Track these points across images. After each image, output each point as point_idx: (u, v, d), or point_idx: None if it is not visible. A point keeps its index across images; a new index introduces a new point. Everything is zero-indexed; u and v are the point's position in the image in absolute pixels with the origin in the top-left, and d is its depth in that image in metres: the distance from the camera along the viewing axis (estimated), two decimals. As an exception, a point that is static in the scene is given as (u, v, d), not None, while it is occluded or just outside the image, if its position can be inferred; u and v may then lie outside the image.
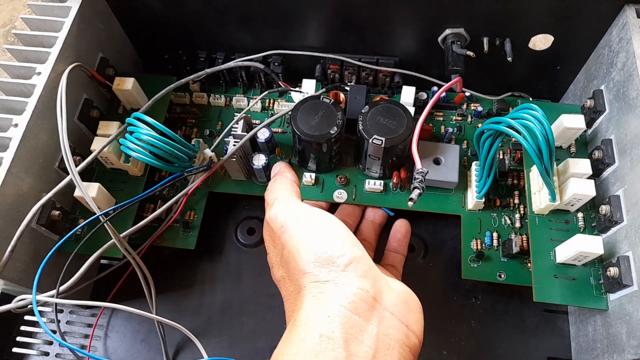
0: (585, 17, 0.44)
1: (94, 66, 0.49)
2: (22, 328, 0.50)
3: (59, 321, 0.42)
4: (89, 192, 0.43)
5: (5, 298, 0.43)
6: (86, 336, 0.50)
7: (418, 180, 0.35)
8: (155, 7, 0.50)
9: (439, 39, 0.48)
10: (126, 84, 0.48)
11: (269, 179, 0.51)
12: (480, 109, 0.53)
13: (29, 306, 0.40)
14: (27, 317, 0.51)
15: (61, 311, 0.51)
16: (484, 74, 0.52)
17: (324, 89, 0.53)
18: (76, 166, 0.43)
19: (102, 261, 0.52)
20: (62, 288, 0.38)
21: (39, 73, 0.42)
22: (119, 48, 0.53)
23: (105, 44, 0.50)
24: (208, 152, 0.47)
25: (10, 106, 0.41)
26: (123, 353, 0.49)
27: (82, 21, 0.46)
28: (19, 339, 0.50)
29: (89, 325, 0.50)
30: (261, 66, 0.52)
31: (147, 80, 0.52)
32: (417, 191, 0.34)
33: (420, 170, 0.36)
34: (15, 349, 0.49)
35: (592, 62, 0.47)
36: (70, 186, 0.42)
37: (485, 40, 0.47)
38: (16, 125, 0.40)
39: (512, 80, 0.53)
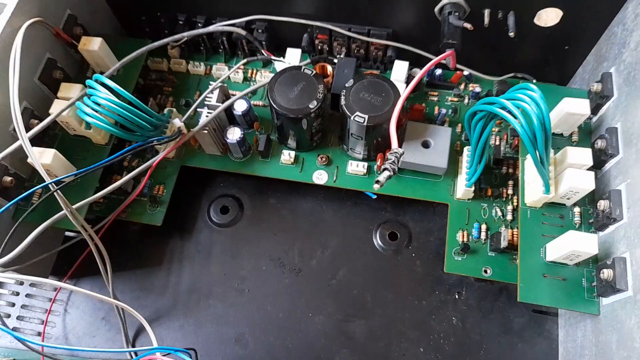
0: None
1: (60, 24, 0.45)
2: (-21, 298, 0.48)
3: None
4: (44, 158, 0.40)
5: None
6: (46, 311, 0.47)
7: (390, 161, 0.31)
8: (130, -38, 0.46)
9: (436, 9, 0.43)
10: (92, 44, 0.44)
11: (245, 155, 0.48)
12: (478, 89, 0.49)
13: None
14: (-15, 288, 0.49)
15: (21, 283, 0.48)
16: (485, 51, 0.47)
17: (309, 60, 0.49)
18: (30, 130, 0.40)
19: (69, 233, 0.50)
20: (2, 260, 0.35)
21: (-8, 25, 0.39)
22: (92, 7, 0.50)
23: (76, 1, 0.47)
24: (177, 122, 0.44)
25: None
26: (82, 330, 0.46)
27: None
28: (-25, 309, 0.48)
29: (50, 300, 0.48)
30: (243, 32, 0.48)
31: (120, 43, 0.48)
32: (386, 173, 0.31)
33: (395, 150, 0.32)
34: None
35: (603, 42, 0.43)
36: (25, 151, 0.39)
37: (487, 12, 0.42)
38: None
39: (516, 59, 0.48)
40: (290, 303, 0.46)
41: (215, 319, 0.46)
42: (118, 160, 0.42)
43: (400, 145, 0.44)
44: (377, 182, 0.31)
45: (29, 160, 0.39)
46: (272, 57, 0.49)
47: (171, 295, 0.47)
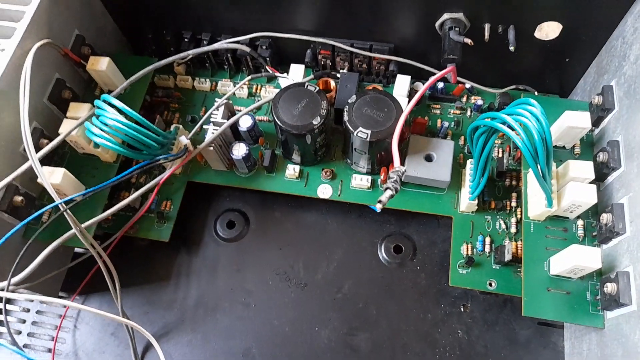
0: (598, 3, 0.39)
1: (68, 44, 0.46)
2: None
3: (6, 315, 0.40)
4: (53, 178, 0.40)
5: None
6: (56, 327, 0.48)
7: (392, 180, 0.32)
8: (136, -18, 0.47)
9: (437, 24, 0.44)
10: (100, 64, 0.45)
11: (250, 170, 0.48)
12: (480, 102, 0.49)
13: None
14: (-3, 304, 0.49)
15: (32, 300, 0.49)
16: (487, 64, 0.48)
17: (312, 76, 0.49)
18: (41, 149, 0.41)
19: (78, 250, 0.50)
20: (15, 279, 0.36)
21: (3, 50, 0.40)
22: (99, 25, 0.51)
23: (83, 21, 0.48)
24: (183, 139, 0.45)
25: (-28, 84, 0.39)
26: (91, 347, 0.47)
27: (53, -7, 0.43)
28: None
29: (60, 316, 0.48)
30: (247, 49, 0.49)
31: (127, 61, 0.49)
32: (388, 192, 0.31)
33: (397, 169, 0.32)
34: (-17, 336, 0.48)
35: (604, 55, 0.43)
36: (35, 171, 0.39)
37: (487, 26, 0.43)
38: (-23, 104, 0.38)
39: (518, 71, 0.49)
40: (296, 317, 0.47)
41: (223, 334, 0.46)
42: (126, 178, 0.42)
43: (403, 159, 0.45)
44: (380, 201, 0.32)
45: (39, 180, 0.40)
46: (276, 74, 0.49)
47: (179, 310, 0.48)
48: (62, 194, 0.42)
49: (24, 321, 0.49)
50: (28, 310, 0.49)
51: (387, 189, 0.32)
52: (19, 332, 0.48)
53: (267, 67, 0.50)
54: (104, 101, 0.40)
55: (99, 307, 0.48)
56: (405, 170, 0.33)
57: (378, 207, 0.32)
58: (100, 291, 0.48)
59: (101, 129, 0.39)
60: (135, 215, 0.46)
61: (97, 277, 0.45)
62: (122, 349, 0.46)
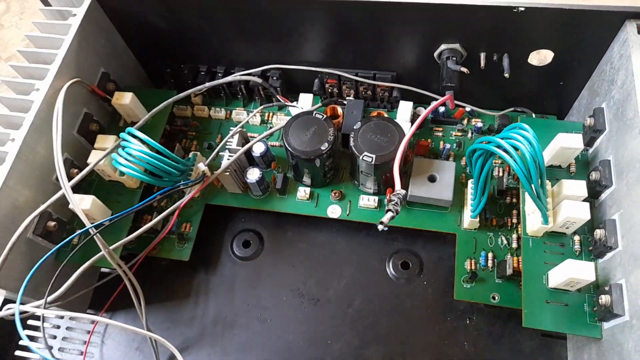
0: (586, 32, 0.42)
1: (95, 81, 0.50)
2: (25, 332, 0.52)
3: (44, 330, 0.43)
4: (83, 204, 0.44)
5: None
6: (84, 342, 0.51)
7: (393, 202, 0.34)
8: (157, 22, 0.51)
9: (435, 54, 0.47)
10: (124, 99, 0.49)
11: (264, 192, 0.51)
12: (480, 124, 0.52)
13: (27, 313, 0.42)
14: (29, 322, 0.53)
15: (62, 317, 0.53)
16: (485, 88, 0.51)
17: (320, 104, 0.52)
18: (72, 178, 0.44)
19: (103, 269, 0.54)
20: (50, 298, 0.39)
21: (38, 89, 0.44)
22: (122, 62, 0.55)
23: (108, 58, 0.52)
24: (201, 166, 0.48)
25: (9, 121, 0.43)
26: (117, 361, 0.50)
27: (82, 38, 0.47)
28: (21, 342, 0.52)
29: (88, 332, 0.52)
30: (259, 80, 0.53)
31: (148, 94, 0.53)
32: (389, 214, 0.34)
33: (398, 192, 0.35)
34: (17, 352, 0.51)
35: (595, 78, 0.45)
36: (68, 199, 0.43)
37: (482, 55, 0.46)
38: (13, 139, 0.41)
39: (516, 95, 0.51)
40: (309, 331, 0.49)
41: (240, 348, 0.49)
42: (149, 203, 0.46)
43: (407, 180, 0.48)
44: (381, 222, 0.34)
45: (70, 206, 0.43)
46: (287, 103, 0.53)
47: (198, 325, 0.50)
48: (92, 219, 0.45)
49: (54, 337, 0.52)
50: (58, 327, 0.53)
51: (388, 210, 0.34)
52: (51, 347, 0.51)
53: (278, 97, 0.53)
54: (129, 133, 0.44)
55: (125, 323, 0.51)
56: (406, 193, 0.36)
57: (380, 227, 0.35)
58: (125, 308, 0.51)
59: (126, 159, 0.43)
60: (158, 237, 0.49)
61: (122, 295, 0.48)
62: (146, 363, 0.49)
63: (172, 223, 0.48)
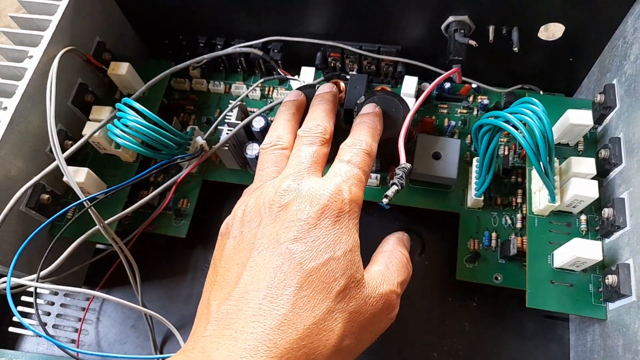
0: (599, 4, 0.40)
1: (90, 50, 0.48)
2: (18, 308, 0.51)
3: (37, 305, 0.42)
4: (78, 177, 0.43)
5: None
6: (79, 319, 0.50)
7: (398, 175, 0.33)
8: (154, -9, 0.49)
9: (442, 26, 0.45)
10: (120, 69, 0.48)
11: (263, 169, 0.50)
12: (486, 101, 0.50)
13: (19, 287, 0.41)
14: (23, 298, 0.52)
15: (56, 294, 0.52)
16: (492, 64, 0.49)
17: (322, 78, 0.51)
18: (66, 150, 0.43)
19: (99, 246, 0.53)
20: (43, 272, 0.39)
21: (31, 56, 0.42)
22: (119, 32, 0.53)
23: (104, 28, 0.50)
24: (199, 139, 0.47)
25: (1, 89, 0.41)
26: (113, 337, 0.49)
27: (78, 4, 0.45)
28: (14, 319, 0.51)
29: (83, 309, 0.51)
30: (259, 53, 0.51)
31: (145, 66, 0.51)
32: (394, 188, 0.32)
33: (403, 165, 0.34)
34: (11, 329, 0.50)
35: (606, 54, 0.44)
36: (62, 171, 0.42)
37: (491, 28, 0.44)
38: (5, 108, 0.40)
39: (524, 71, 0.50)
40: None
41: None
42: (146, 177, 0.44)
43: (411, 157, 0.46)
44: (386, 196, 0.33)
45: (64, 178, 0.42)
46: (288, 76, 0.51)
47: (195, 303, 0.49)
48: (86, 192, 0.44)
49: (48, 314, 0.51)
50: (53, 304, 0.52)
51: (393, 184, 0.33)
52: (45, 324, 0.51)
53: (279, 70, 0.52)
54: (125, 104, 0.42)
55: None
56: (411, 167, 0.35)
57: (384, 201, 0.33)
58: (120, 285, 0.51)
59: (122, 130, 0.41)
60: (154, 213, 0.48)
61: (118, 272, 0.47)
62: (142, 340, 0.49)
63: (169, 198, 0.47)
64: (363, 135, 0.35)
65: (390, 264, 0.34)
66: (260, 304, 0.25)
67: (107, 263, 0.49)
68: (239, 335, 0.24)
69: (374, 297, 0.29)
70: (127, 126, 0.41)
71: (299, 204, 0.29)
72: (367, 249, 0.50)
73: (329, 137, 0.35)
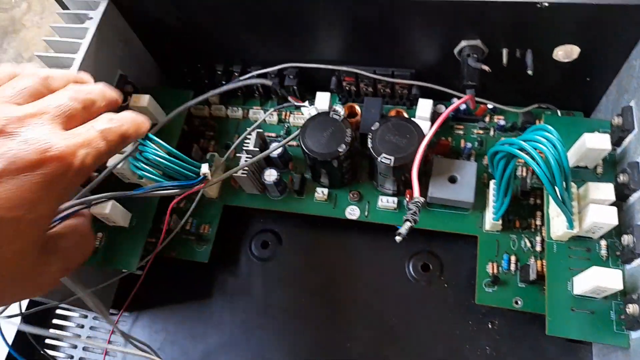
0: (614, 27, 0.40)
1: (113, 83, 0.50)
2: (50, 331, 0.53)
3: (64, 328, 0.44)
4: (104, 209, 0.44)
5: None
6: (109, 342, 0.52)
7: (411, 211, 0.33)
8: (172, 23, 0.50)
9: (455, 50, 0.45)
10: (142, 101, 0.49)
11: (282, 193, 0.51)
12: (503, 122, 0.50)
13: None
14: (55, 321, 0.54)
15: (85, 317, 0.54)
16: (508, 85, 0.49)
17: (337, 106, 0.51)
18: (91, 182, 0.45)
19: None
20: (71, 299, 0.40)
21: (57, 94, 0.44)
22: (139, 63, 0.55)
23: (125, 60, 0.52)
24: (204, 168, 0.46)
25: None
26: (140, 360, 0.51)
27: (99, 40, 0.47)
28: (47, 341, 0.53)
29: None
30: (268, 82, 0.51)
31: (165, 94, 0.53)
32: (407, 224, 0.33)
33: (416, 200, 0.34)
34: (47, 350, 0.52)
35: (623, 74, 0.43)
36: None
37: (505, 52, 0.44)
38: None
39: (540, 91, 0.49)
40: (328, 333, 0.49)
41: (262, 350, 0.49)
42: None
43: (427, 180, 0.46)
44: (399, 234, 0.34)
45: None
46: (299, 104, 0.51)
47: (219, 328, 0.51)
48: (112, 222, 0.46)
49: (79, 336, 0.53)
50: (82, 327, 0.54)
51: (406, 220, 0.33)
52: (75, 347, 0.53)
53: (289, 99, 0.52)
54: (146, 137, 0.43)
55: (149, 324, 0.51)
56: (425, 201, 0.35)
57: (397, 239, 0.34)
58: (145, 309, 0.52)
59: (144, 163, 0.43)
60: (160, 239, 0.48)
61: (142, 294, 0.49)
62: None
63: (167, 220, 0.47)
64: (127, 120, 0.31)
65: (74, 247, 0.31)
66: None
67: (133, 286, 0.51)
68: None
69: (38, 272, 0.28)
70: (148, 160, 0.43)
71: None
72: (386, 272, 0.51)
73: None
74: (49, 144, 0.25)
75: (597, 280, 0.36)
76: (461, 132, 0.51)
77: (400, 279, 0.50)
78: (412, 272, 0.50)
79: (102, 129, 0.28)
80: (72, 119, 0.28)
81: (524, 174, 0.48)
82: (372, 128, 0.45)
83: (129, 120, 0.32)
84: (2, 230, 0.24)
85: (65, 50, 0.46)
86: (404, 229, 0.33)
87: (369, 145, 0.45)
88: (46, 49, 0.48)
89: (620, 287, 0.36)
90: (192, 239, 0.51)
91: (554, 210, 0.41)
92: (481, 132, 0.51)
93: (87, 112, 0.29)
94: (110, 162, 0.47)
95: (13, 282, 0.26)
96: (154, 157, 0.42)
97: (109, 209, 0.45)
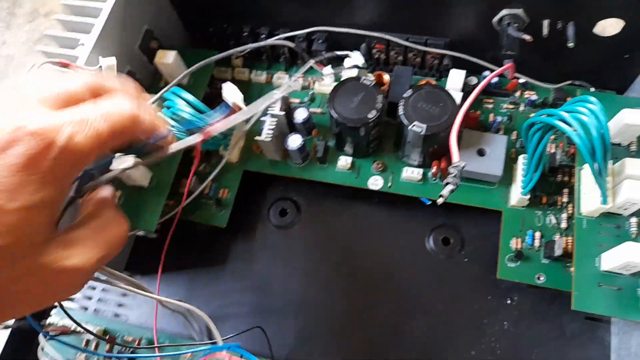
0: (662, 0, 0.39)
1: (138, 38, 0.49)
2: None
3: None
4: (126, 165, 0.43)
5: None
6: (119, 305, 0.51)
7: (452, 175, 0.33)
8: (200, -21, 0.49)
9: (494, 20, 0.44)
10: (167, 57, 0.48)
11: (304, 161, 0.50)
12: (534, 97, 0.49)
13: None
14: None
15: (93, 288, 0.53)
16: (542, 59, 0.48)
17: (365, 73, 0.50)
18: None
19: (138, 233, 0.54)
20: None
21: (83, 44, 0.43)
22: (165, 20, 0.53)
23: (151, 16, 0.50)
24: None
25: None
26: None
27: (127, -7, 0.46)
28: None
29: (123, 294, 0.52)
30: (291, 44, 0.50)
31: (190, 55, 0.52)
32: (449, 187, 0.32)
33: (457, 164, 0.34)
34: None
35: (665, 52, 0.43)
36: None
37: (546, 23, 0.43)
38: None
39: (574, 67, 0.49)
40: (348, 302, 0.49)
41: (276, 316, 0.49)
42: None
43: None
44: (441, 196, 0.33)
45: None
46: (321, 69, 0.50)
47: (234, 293, 0.50)
48: (132, 181, 0.45)
49: (90, 298, 0.53)
50: (94, 288, 0.53)
51: (447, 183, 0.33)
52: (85, 309, 0.52)
53: (313, 64, 0.50)
54: (174, 93, 0.43)
55: (162, 287, 0.51)
56: (465, 165, 0.34)
57: (439, 201, 0.33)
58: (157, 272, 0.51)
59: (171, 119, 0.42)
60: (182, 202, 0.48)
61: (156, 259, 0.48)
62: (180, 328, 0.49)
63: (189, 181, 0.47)
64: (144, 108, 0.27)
65: (99, 233, 0.27)
66: None
67: (147, 247, 0.50)
68: None
69: (53, 270, 0.24)
70: (176, 114, 0.42)
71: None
72: (406, 245, 0.50)
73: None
74: (25, 121, 0.22)
75: (629, 255, 0.36)
76: (490, 105, 0.50)
77: (421, 252, 0.50)
78: (433, 246, 0.50)
79: (107, 110, 0.24)
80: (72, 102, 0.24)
81: (553, 150, 0.47)
82: (404, 95, 0.44)
83: (151, 110, 0.27)
84: None
85: (91, -1, 0.45)
86: (445, 191, 0.33)
87: (400, 112, 0.44)
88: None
89: (653, 263, 0.35)
90: (211, 203, 0.50)
91: (586, 185, 0.41)
92: (511, 106, 0.50)
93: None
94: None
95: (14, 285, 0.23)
96: (182, 112, 0.41)
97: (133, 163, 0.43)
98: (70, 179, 0.24)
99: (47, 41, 0.46)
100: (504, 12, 0.43)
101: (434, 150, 0.46)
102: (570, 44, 0.42)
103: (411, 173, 0.48)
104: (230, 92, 0.43)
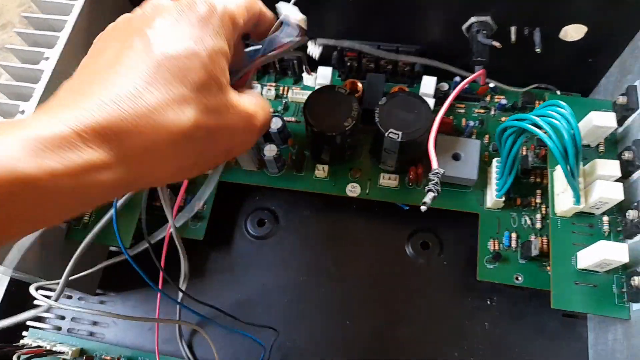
0: (623, 6, 0.40)
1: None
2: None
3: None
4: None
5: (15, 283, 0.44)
6: (94, 323, 0.50)
7: (433, 182, 0.33)
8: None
9: (464, 27, 0.45)
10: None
11: (280, 170, 0.50)
12: (504, 101, 0.50)
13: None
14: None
15: (70, 297, 0.51)
16: (510, 64, 0.49)
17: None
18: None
19: (112, 248, 0.52)
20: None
21: (47, 58, 0.41)
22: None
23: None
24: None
25: (18, 92, 0.40)
26: (131, 341, 0.49)
27: (94, 1, 0.44)
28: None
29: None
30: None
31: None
32: (431, 194, 0.32)
33: (436, 170, 0.34)
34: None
35: (627, 55, 0.44)
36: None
37: (513, 29, 0.44)
38: (23, 111, 0.39)
39: (541, 71, 0.50)
40: (327, 312, 0.48)
41: (257, 328, 0.48)
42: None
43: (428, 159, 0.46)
44: (424, 203, 0.33)
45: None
46: (310, 75, 0.50)
47: (214, 303, 0.49)
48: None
49: (63, 317, 0.51)
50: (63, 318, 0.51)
51: (429, 190, 0.33)
52: (63, 318, 0.50)
53: (305, 69, 0.50)
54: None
55: (135, 303, 0.49)
56: (444, 172, 0.35)
57: (423, 209, 0.33)
58: (134, 288, 0.50)
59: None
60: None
61: (131, 275, 0.46)
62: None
63: (180, 197, 0.46)
64: None
65: (263, 100, 0.33)
66: (112, 74, 0.26)
67: (120, 267, 0.48)
68: (86, 99, 0.25)
69: (238, 109, 0.29)
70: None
71: None
72: (386, 250, 0.51)
73: None
74: None
75: (604, 253, 0.37)
76: (462, 110, 0.51)
77: (400, 257, 0.50)
78: (412, 250, 0.50)
79: None
80: None
81: (525, 152, 0.48)
82: (380, 103, 0.44)
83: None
84: (184, 63, 0.26)
85: (56, 11, 0.43)
86: (428, 198, 0.33)
87: (376, 120, 0.44)
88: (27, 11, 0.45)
89: (626, 259, 0.37)
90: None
91: (559, 186, 0.42)
92: (482, 111, 0.51)
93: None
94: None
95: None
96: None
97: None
98: (232, 36, 0.30)
99: (6, 55, 0.44)
100: (473, 19, 0.44)
101: (410, 157, 0.46)
102: (538, 50, 0.43)
103: (388, 179, 0.48)
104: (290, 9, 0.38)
